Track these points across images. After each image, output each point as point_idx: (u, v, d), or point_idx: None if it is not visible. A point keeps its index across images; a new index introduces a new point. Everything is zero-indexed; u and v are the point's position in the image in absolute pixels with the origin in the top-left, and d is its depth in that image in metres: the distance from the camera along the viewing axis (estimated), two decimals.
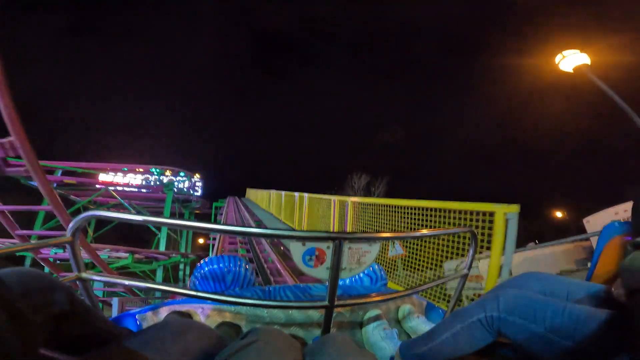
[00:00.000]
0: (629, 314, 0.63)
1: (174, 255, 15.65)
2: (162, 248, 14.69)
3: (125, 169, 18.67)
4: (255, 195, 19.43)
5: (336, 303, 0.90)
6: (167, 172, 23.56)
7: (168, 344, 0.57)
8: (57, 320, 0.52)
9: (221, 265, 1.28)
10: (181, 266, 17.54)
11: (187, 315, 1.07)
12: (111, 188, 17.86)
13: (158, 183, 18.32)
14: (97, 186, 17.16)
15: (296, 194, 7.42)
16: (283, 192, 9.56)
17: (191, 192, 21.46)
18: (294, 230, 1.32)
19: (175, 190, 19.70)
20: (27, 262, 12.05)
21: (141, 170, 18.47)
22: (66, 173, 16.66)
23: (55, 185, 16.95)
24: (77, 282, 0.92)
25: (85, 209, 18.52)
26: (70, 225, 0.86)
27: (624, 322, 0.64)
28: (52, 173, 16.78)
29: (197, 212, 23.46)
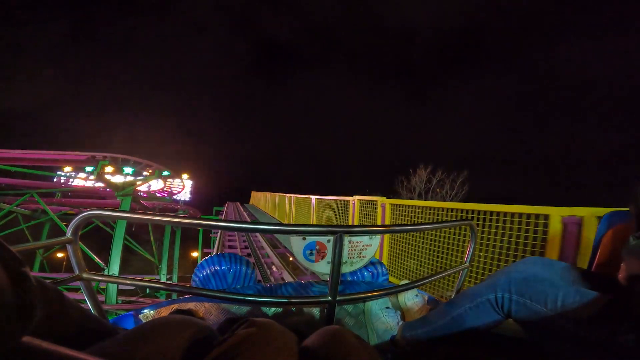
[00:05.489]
0: (635, 298, 0.66)
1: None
2: (111, 299, 7.96)
3: (68, 175, 12.02)
4: (273, 203, 13.14)
5: (338, 298, 0.90)
6: (148, 171, 17.24)
7: (160, 339, 0.56)
8: (48, 319, 0.52)
9: (222, 263, 1.26)
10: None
11: (189, 314, 1.06)
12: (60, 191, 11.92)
13: (99, 185, 11.08)
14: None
15: None
16: None
17: (168, 197, 14.95)
18: (293, 224, 1.22)
19: (144, 195, 13.23)
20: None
21: (84, 158, 10.83)
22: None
23: None
24: (79, 283, 0.91)
25: (29, 218, 13.06)
26: (71, 225, 0.87)
27: (631, 305, 0.66)
28: None
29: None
